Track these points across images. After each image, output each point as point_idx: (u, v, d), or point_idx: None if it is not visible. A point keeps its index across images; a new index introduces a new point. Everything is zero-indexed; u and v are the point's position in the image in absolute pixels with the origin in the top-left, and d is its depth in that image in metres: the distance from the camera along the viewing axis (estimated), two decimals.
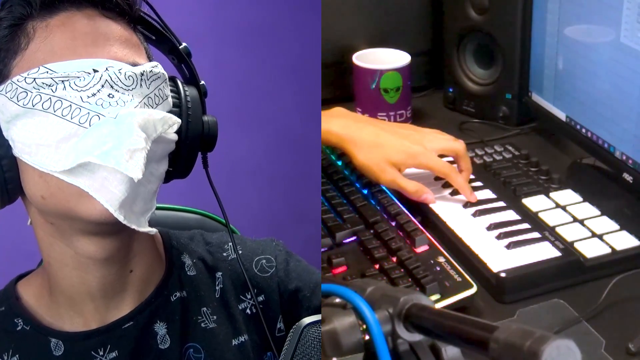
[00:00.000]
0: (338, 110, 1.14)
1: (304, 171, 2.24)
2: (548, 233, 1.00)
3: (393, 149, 1.06)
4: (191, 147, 0.75)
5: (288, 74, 2.27)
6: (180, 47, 0.78)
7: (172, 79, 0.77)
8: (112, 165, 0.63)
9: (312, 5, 2.22)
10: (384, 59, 1.39)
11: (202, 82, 0.79)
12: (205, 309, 0.80)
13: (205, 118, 0.77)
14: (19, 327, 0.76)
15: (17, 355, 0.75)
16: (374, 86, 1.35)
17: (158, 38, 0.78)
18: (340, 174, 1.13)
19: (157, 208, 0.74)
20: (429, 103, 1.52)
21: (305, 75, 2.26)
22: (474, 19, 1.38)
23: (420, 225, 1.00)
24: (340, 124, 1.10)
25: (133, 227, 0.67)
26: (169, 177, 0.75)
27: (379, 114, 1.36)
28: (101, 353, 0.74)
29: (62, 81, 0.66)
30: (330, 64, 1.48)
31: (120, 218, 0.65)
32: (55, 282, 0.75)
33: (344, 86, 1.43)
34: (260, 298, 0.82)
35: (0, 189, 0.69)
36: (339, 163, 1.17)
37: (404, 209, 1.04)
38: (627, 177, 1.06)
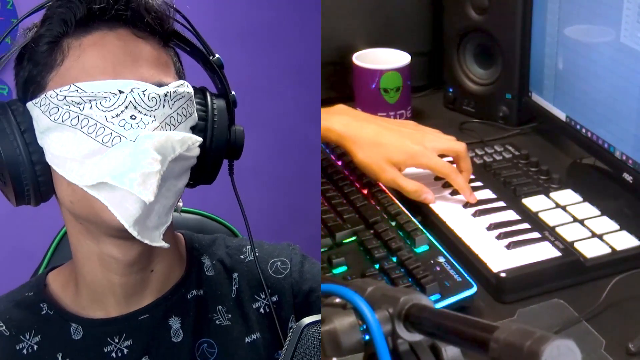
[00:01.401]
0: (339, 108, 1.14)
1: (304, 171, 2.24)
2: (548, 233, 1.00)
3: (393, 148, 1.06)
4: (215, 159, 0.79)
5: (288, 74, 2.27)
6: (212, 59, 0.81)
7: (202, 91, 0.80)
8: (126, 187, 0.68)
9: (312, 5, 2.22)
10: (384, 59, 1.39)
11: (233, 92, 0.82)
12: (220, 307, 0.83)
13: (233, 128, 0.81)
14: (44, 312, 0.81)
15: (39, 336, 0.80)
16: (374, 86, 1.35)
17: (191, 49, 0.81)
18: (340, 174, 1.13)
19: None
20: (429, 103, 1.52)
21: (305, 75, 2.26)
22: (474, 19, 1.38)
23: (420, 225, 1.00)
24: (341, 122, 1.10)
25: (146, 241, 0.71)
26: (194, 184, 0.80)
27: (379, 114, 1.36)
28: (117, 340, 0.79)
29: (90, 100, 0.70)
30: (330, 64, 1.48)
31: (134, 234, 0.70)
32: (81, 275, 0.80)
33: (344, 86, 1.43)
34: (274, 298, 0.85)
35: (34, 191, 0.74)
36: (339, 163, 1.17)
37: (404, 209, 1.04)
38: (627, 177, 1.06)
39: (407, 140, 1.07)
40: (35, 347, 0.79)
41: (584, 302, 0.89)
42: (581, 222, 1.02)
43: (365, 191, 1.10)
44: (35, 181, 0.73)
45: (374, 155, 1.06)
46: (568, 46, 1.18)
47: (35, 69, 0.74)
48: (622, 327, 0.86)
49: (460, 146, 1.09)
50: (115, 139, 0.70)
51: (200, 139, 0.75)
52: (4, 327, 0.80)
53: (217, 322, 0.82)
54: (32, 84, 0.74)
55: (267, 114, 2.24)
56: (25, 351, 0.79)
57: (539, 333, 0.45)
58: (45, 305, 0.81)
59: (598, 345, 0.83)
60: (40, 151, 0.73)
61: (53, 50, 0.73)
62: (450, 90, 1.47)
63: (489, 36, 1.37)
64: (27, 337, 0.79)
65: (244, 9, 2.21)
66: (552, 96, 1.25)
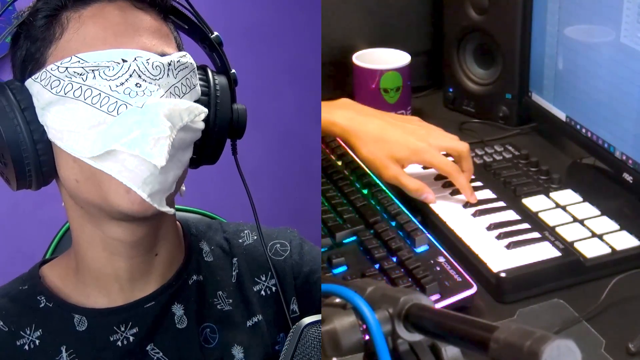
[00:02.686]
0: (343, 102, 1.14)
1: (304, 171, 2.24)
2: (548, 233, 1.00)
3: (397, 144, 1.06)
4: (219, 134, 0.78)
5: (288, 74, 2.27)
6: (211, 37, 0.81)
7: (203, 68, 0.79)
8: (137, 153, 0.66)
9: (312, 5, 2.22)
10: (384, 59, 1.39)
11: (233, 70, 0.81)
12: (221, 292, 0.83)
13: (235, 106, 0.80)
14: (42, 305, 0.78)
15: (40, 330, 0.77)
16: (374, 86, 1.35)
17: (190, 27, 0.80)
18: (340, 174, 1.13)
19: None
20: (429, 103, 1.52)
21: (305, 75, 2.26)
22: (474, 19, 1.38)
23: (420, 225, 1.00)
24: (345, 116, 1.09)
25: (155, 205, 0.69)
26: (198, 162, 0.79)
27: None
28: (122, 329, 0.77)
29: (93, 70, 0.69)
30: (330, 64, 1.48)
31: (144, 195, 0.68)
32: (83, 263, 0.78)
33: (344, 86, 1.43)
34: (274, 280, 0.85)
35: (36, 171, 0.72)
36: (339, 163, 1.17)
37: (404, 209, 1.04)
38: (627, 177, 1.06)
39: (411, 137, 1.07)
40: (37, 341, 0.76)
41: (584, 302, 0.89)
42: (581, 222, 1.02)
43: (365, 191, 1.10)
44: (37, 161, 0.71)
45: (378, 151, 1.07)
46: (568, 46, 1.18)
47: (33, 46, 0.72)
48: (622, 327, 0.86)
49: (463, 146, 1.09)
50: (121, 107, 0.68)
51: (205, 110, 0.73)
52: (1, 323, 0.77)
53: (219, 307, 0.82)
54: (30, 61, 0.72)
55: (267, 114, 2.24)
56: (27, 347, 0.76)
57: (539, 333, 0.45)
58: (43, 298, 0.78)
59: (598, 345, 0.83)
60: (41, 129, 0.71)
61: (51, 24, 0.72)
62: (450, 90, 1.47)
63: (489, 36, 1.37)
64: (28, 332, 0.77)
65: (243, 9, 2.21)
66: (552, 96, 1.25)
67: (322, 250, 0.97)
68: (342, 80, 1.45)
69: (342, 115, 1.10)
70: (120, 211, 0.70)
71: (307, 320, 0.65)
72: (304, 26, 2.25)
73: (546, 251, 0.96)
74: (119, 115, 0.68)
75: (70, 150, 0.69)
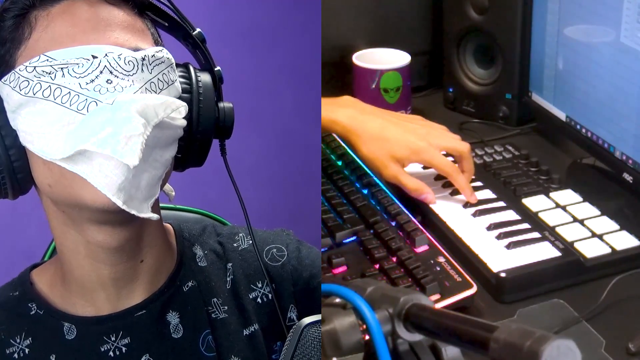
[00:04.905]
0: (346, 100, 1.14)
1: (304, 171, 2.24)
2: (548, 233, 1.00)
3: (397, 143, 1.06)
4: (204, 134, 0.75)
5: (288, 74, 2.27)
6: (193, 33, 0.77)
7: (185, 65, 0.76)
8: (108, 152, 0.63)
9: (312, 5, 2.22)
10: (384, 59, 1.39)
11: (218, 67, 0.79)
12: (215, 299, 0.80)
13: (221, 104, 0.77)
14: (33, 312, 0.77)
15: (29, 339, 0.76)
16: (374, 86, 1.35)
17: (170, 24, 0.77)
18: (340, 174, 1.13)
19: None
20: (429, 103, 1.51)
21: (305, 75, 2.25)
22: (474, 19, 1.38)
23: (420, 225, 1.00)
24: (347, 114, 1.09)
25: (133, 212, 0.66)
26: (184, 165, 0.76)
27: None
28: (113, 339, 0.75)
29: (61, 68, 0.66)
30: (330, 64, 1.48)
31: (119, 203, 0.65)
32: (68, 270, 0.76)
33: (344, 86, 1.43)
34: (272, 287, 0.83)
35: (10, 178, 0.69)
36: (339, 163, 1.17)
37: (404, 209, 1.04)
38: (627, 177, 1.06)
39: (411, 136, 1.07)
40: (27, 350, 0.75)
41: (584, 302, 0.89)
42: (581, 222, 1.02)
43: (365, 191, 1.10)
44: (10, 168, 0.68)
45: (378, 150, 1.07)
46: (568, 46, 1.18)
47: (2, 48, 0.70)
48: (622, 327, 0.86)
49: (464, 146, 1.09)
50: (90, 105, 0.65)
51: (184, 104, 0.70)
52: None
53: (213, 315, 0.79)
54: (0, 64, 0.70)
55: (267, 114, 2.24)
56: (16, 355, 0.74)
57: (539, 333, 0.45)
58: (34, 305, 0.76)
59: (598, 345, 0.83)
60: (13, 134, 0.68)
61: (20, 24, 0.69)
62: (450, 90, 1.47)
63: (489, 36, 1.37)
64: (18, 340, 0.75)
65: (243, 8, 2.21)
66: (552, 96, 1.25)
67: (322, 250, 0.97)
68: (342, 80, 1.44)
69: (344, 113, 1.10)
70: (97, 208, 0.67)
71: (307, 320, 0.65)
72: (304, 26, 2.25)
73: (546, 251, 0.96)
74: (88, 113, 0.65)
75: (41, 153, 0.67)
